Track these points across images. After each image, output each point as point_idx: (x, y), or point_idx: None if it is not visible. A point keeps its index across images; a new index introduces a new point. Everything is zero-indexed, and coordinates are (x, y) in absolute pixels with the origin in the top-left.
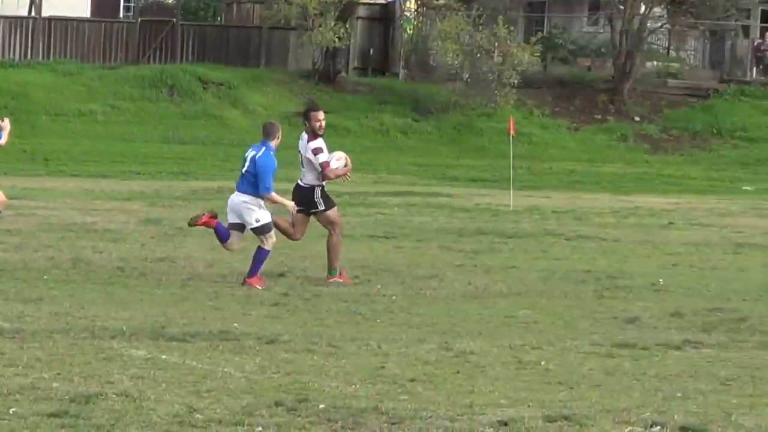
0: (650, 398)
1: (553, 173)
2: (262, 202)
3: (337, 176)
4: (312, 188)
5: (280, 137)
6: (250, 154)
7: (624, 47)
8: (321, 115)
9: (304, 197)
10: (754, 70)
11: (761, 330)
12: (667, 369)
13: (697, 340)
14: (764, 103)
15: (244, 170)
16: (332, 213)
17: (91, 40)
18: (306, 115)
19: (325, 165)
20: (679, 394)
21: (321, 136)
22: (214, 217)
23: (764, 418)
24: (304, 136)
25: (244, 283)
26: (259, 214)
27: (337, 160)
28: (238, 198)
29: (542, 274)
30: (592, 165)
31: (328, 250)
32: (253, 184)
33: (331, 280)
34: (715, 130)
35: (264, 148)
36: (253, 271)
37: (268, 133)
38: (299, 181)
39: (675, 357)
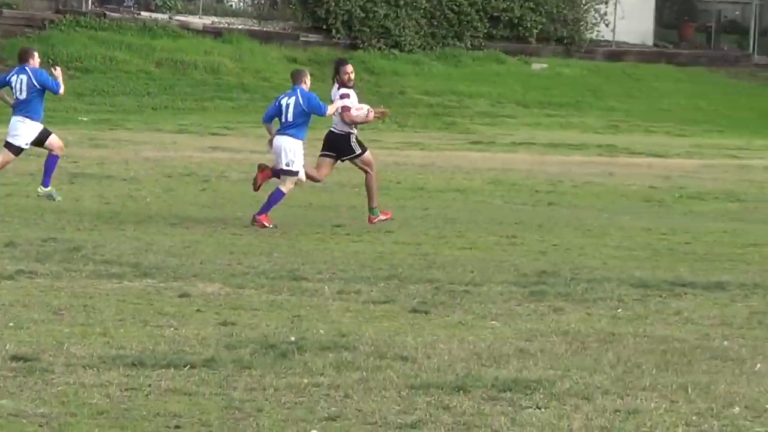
0: None
1: None
2: (300, 149)
3: (354, 122)
4: (348, 135)
5: (308, 82)
6: (286, 101)
7: None
8: (350, 68)
9: (338, 143)
10: (90, 0)
11: (95, 259)
12: None
13: (31, 270)
14: (99, 33)
15: (284, 119)
16: (368, 155)
17: None
18: (336, 69)
19: (345, 109)
20: (11, 324)
21: (351, 87)
22: (264, 168)
23: (95, 347)
24: (336, 86)
25: (253, 221)
26: (292, 159)
27: (358, 110)
28: (280, 141)
29: None
30: None
31: (367, 189)
32: (298, 127)
33: (375, 220)
34: (50, 60)
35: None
36: (264, 208)
37: (296, 78)
38: (333, 128)
39: (8, 287)
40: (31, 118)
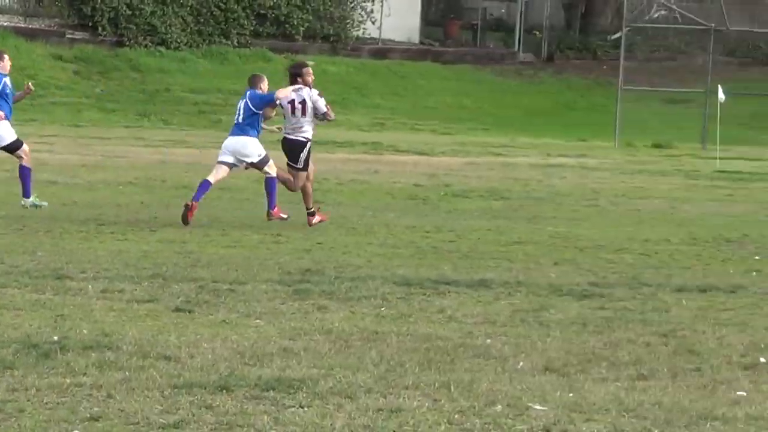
0: None
1: None
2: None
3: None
4: (305, 143)
5: (265, 87)
6: (241, 102)
7: None
8: (311, 70)
9: (294, 148)
10: None
11: None
12: None
13: None
14: None
15: (240, 119)
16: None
17: None
18: (299, 73)
19: (329, 107)
20: None
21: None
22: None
23: None
24: (307, 89)
25: (269, 217)
26: (259, 152)
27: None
28: (236, 141)
29: None
30: None
31: (303, 193)
32: (251, 125)
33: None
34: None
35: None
36: (272, 202)
37: (253, 83)
38: (292, 136)
39: None
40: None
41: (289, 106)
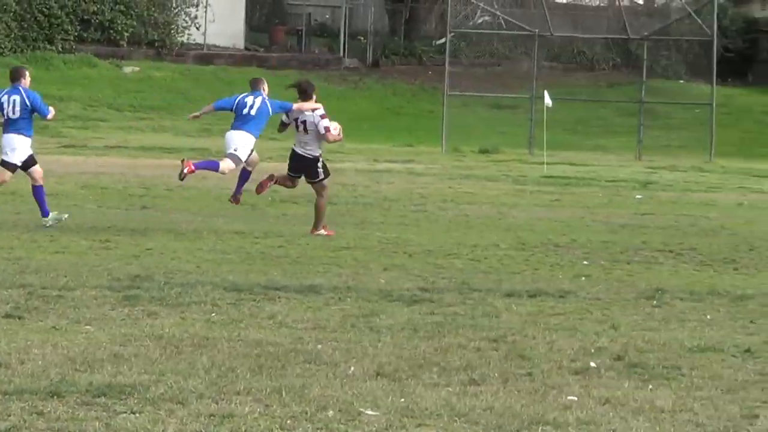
0: None
1: None
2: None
3: (335, 141)
4: (316, 159)
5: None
6: (250, 99)
7: None
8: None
9: (305, 165)
10: None
11: None
12: None
13: None
14: None
15: (245, 113)
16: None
17: None
18: (311, 90)
19: (327, 129)
20: None
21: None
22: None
23: None
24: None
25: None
26: (237, 147)
27: (335, 129)
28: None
29: None
30: None
31: (316, 212)
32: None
33: (316, 233)
34: None
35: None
36: (238, 189)
37: (255, 85)
38: (301, 150)
39: None
40: (24, 135)
41: (294, 122)
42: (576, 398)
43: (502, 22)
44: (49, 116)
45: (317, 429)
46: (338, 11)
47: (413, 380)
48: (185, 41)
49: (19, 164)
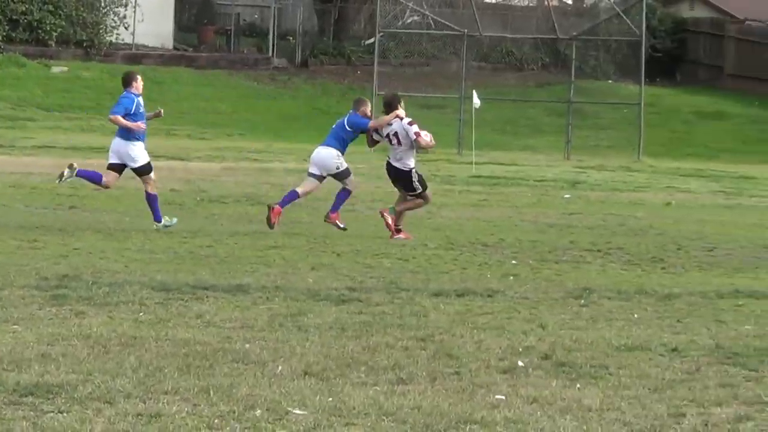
0: None
1: None
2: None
3: (427, 146)
4: (410, 171)
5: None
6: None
7: None
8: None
9: (401, 178)
10: None
11: None
12: None
13: None
14: None
15: (332, 132)
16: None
17: None
18: (397, 102)
19: (417, 134)
20: None
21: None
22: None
23: None
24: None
25: (327, 219)
26: (338, 163)
27: (425, 135)
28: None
29: None
30: None
31: (407, 207)
32: (339, 140)
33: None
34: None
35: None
36: (335, 206)
37: (356, 106)
38: (396, 163)
39: None
40: (134, 139)
41: (387, 138)
42: (504, 397)
43: (431, 22)
44: (111, 116)
45: (245, 428)
46: (267, 11)
47: (341, 379)
48: (114, 41)
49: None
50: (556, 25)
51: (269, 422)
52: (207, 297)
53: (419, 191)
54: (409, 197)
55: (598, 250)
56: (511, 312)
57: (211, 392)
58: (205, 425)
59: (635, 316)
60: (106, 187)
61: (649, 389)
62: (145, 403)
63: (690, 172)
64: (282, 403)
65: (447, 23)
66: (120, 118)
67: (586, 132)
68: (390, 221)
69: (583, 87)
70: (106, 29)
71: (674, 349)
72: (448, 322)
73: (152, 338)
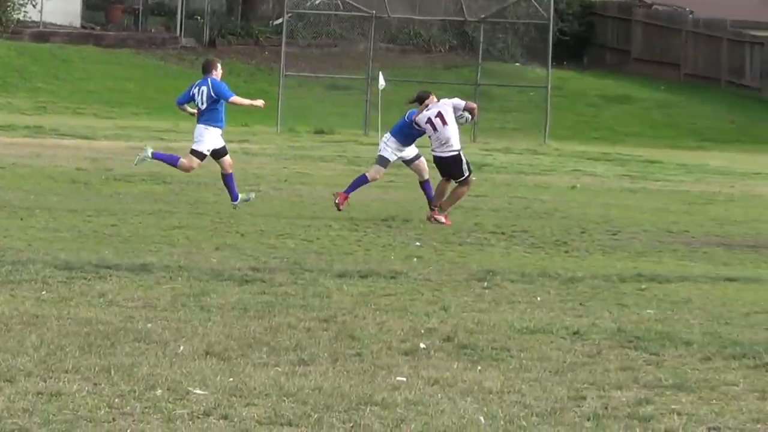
0: None
1: None
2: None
3: (474, 112)
4: (458, 154)
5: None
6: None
7: None
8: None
9: (449, 166)
10: None
11: None
12: None
13: None
14: None
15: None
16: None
17: None
18: (423, 99)
19: (467, 103)
20: None
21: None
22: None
23: None
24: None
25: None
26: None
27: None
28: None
29: None
30: None
31: (453, 202)
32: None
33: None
34: None
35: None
36: (431, 199)
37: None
38: (440, 152)
39: None
40: (213, 126)
41: (429, 125)
42: (405, 379)
43: (340, 3)
44: (231, 99)
45: (145, 408)
46: None
47: (242, 360)
48: (21, 18)
49: (207, 153)
50: (464, 7)
51: (170, 402)
52: (110, 276)
53: (466, 175)
54: (456, 183)
55: (503, 233)
56: (414, 294)
57: (113, 371)
58: (105, 404)
59: (538, 299)
60: (226, 174)
61: (550, 372)
62: (45, 381)
63: (596, 155)
64: (183, 383)
65: (355, 4)
66: (241, 98)
67: (493, 115)
68: (443, 219)
69: (490, 69)
70: (13, 7)
71: (576, 333)
72: (350, 303)
73: (54, 317)
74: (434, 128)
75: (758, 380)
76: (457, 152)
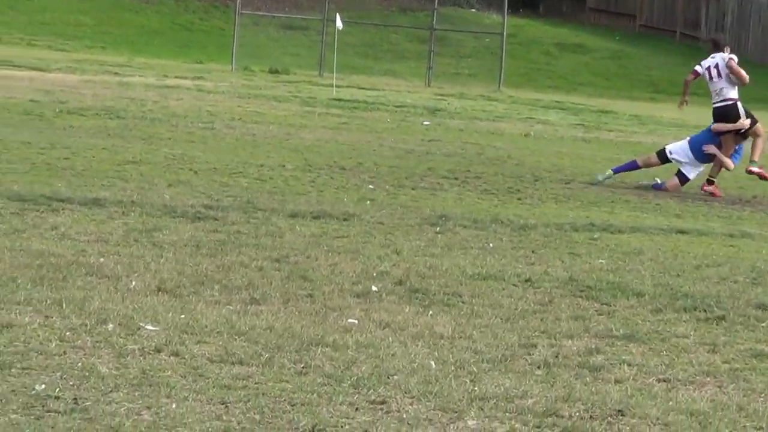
0: None
1: None
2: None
3: (742, 79)
4: (735, 103)
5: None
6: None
7: None
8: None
9: (728, 116)
10: None
11: None
12: None
13: None
14: None
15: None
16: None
17: None
18: (719, 43)
19: (731, 59)
20: None
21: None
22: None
23: None
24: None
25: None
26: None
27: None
28: None
29: None
30: None
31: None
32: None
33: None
34: None
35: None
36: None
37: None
38: (718, 103)
39: None
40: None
41: (707, 72)
42: (356, 321)
43: None
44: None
45: (96, 342)
46: None
47: (194, 297)
48: None
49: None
50: None
51: (121, 337)
52: (63, 209)
53: (752, 124)
54: (739, 136)
55: (456, 178)
56: (367, 236)
57: (64, 305)
58: (56, 337)
59: (490, 245)
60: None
61: (501, 319)
62: None
63: (550, 104)
64: (134, 318)
65: None
66: None
67: (448, 60)
68: (758, 170)
69: (446, 14)
70: None
71: (527, 280)
72: (303, 243)
73: (6, 248)
74: (710, 77)
75: (708, 333)
76: (734, 101)
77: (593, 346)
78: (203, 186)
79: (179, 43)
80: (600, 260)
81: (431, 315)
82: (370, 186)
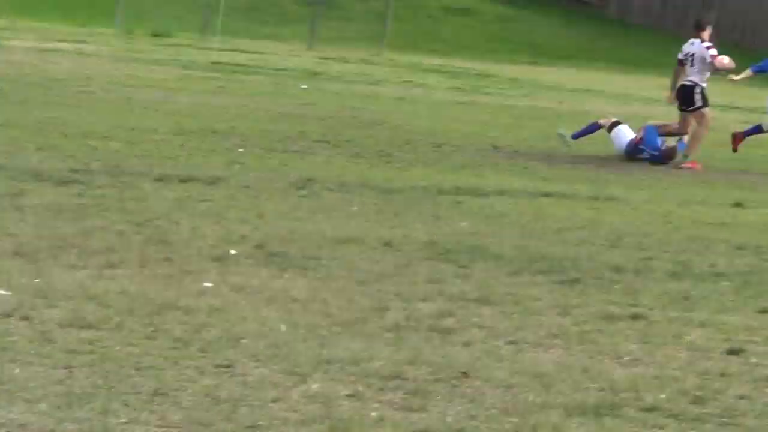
0: None
1: None
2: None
3: (723, 67)
4: (694, 85)
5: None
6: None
7: None
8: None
9: (684, 95)
10: None
11: None
12: None
13: None
14: None
15: None
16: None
17: None
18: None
19: (714, 57)
20: None
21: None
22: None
23: None
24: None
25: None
26: None
27: (723, 58)
28: None
29: None
30: None
31: (690, 137)
32: None
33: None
34: None
35: None
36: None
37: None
38: (685, 82)
39: None
40: None
41: (686, 55)
42: (211, 285)
43: None
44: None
45: None
46: None
47: (51, 261)
48: None
49: None
50: None
51: None
52: None
53: (699, 106)
54: (692, 114)
55: (327, 142)
56: (232, 200)
57: None
58: None
59: (354, 208)
60: None
61: (356, 282)
62: None
63: (430, 67)
64: None
65: None
66: None
67: (333, 23)
68: (689, 165)
69: None
70: None
71: (387, 243)
72: (167, 207)
73: None
74: (689, 64)
75: (562, 296)
76: (694, 84)
77: (446, 309)
78: (72, 150)
79: (63, 5)
80: (462, 223)
81: (287, 278)
82: (240, 150)
